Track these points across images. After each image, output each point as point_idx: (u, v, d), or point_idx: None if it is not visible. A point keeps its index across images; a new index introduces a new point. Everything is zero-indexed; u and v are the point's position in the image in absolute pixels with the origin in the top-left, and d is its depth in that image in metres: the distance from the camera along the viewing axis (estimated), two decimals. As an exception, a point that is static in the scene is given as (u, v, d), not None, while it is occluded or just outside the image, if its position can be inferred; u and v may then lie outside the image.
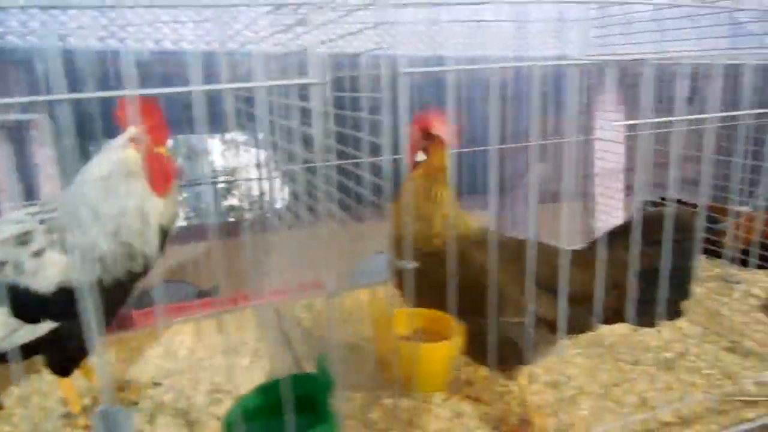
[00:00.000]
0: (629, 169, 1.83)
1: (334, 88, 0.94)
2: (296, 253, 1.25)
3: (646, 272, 0.91)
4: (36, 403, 1.11)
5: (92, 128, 1.13)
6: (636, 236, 0.85)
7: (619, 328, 1.21)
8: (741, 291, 1.50)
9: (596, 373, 1.16)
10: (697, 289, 1.51)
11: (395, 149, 0.61)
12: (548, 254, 0.92)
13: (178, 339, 1.37)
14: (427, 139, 1.05)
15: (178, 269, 1.76)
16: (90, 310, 0.56)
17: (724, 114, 0.78)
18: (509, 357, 0.88)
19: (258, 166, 1.75)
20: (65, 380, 1.01)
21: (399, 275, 1.00)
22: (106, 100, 0.90)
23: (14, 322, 0.93)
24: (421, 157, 1.07)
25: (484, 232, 1.07)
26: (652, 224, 0.88)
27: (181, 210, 1.82)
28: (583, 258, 0.93)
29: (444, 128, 1.05)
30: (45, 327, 0.94)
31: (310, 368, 1.16)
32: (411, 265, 0.68)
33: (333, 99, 0.98)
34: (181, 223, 1.87)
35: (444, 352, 0.89)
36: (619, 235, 0.93)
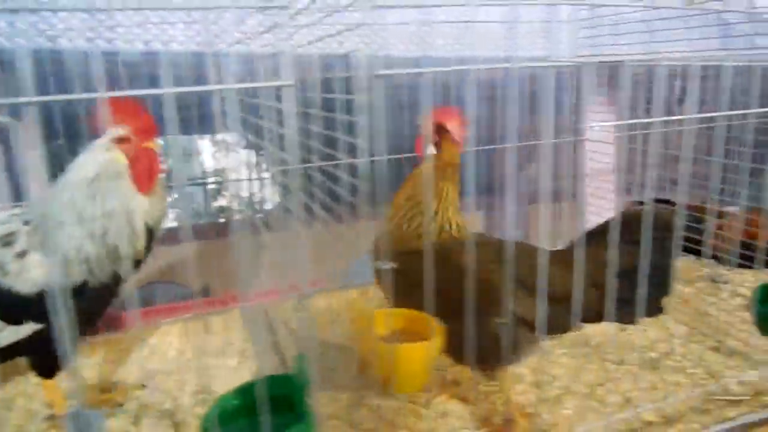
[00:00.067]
0: (620, 170, 1.83)
1: (322, 89, 0.95)
2: (285, 254, 1.25)
3: (627, 271, 0.91)
4: (20, 405, 1.11)
5: (79, 129, 1.13)
6: (614, 236, 0.85)
7: (606, 328, 1.22)
8: (728, 291, 1.51)
9: (581, 372, 1.17)
10: (684, 289, 1.53)
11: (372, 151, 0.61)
12: (532, 255, 0.93)
13: (166, 340, 1.37)
14: (439, 134, 1.06)
15: (167, 270, 1.76)
16: (64, 313, 0.56)
17: (702, 115, 0.79)
18: (490, 357, 0.88)
19: (248, 166, 1.75)
20: (49, 382, 1.01)
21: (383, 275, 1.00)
22: (93, 101, 0.90)
23: (-2, 323, 0.93)
24: (431, 151, 1.08)
25: (474, 234, 1.08)
26: (631, 223, 0.88)
27: (170, 210, 1.82)
28: (565, 258, 0.94)
29: (457, 125, 1.06)
30: (28, 328, 0.94)
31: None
32: (387, 265, 0.68)
33: (321, 101, 0.98)
34: (171, 223, 1.87)
35: (422, 353, 0.90)
36: (600, 235, 0.94)
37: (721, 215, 1.51)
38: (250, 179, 1.70)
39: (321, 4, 0.74)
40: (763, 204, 1.36)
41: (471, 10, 1.74)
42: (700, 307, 1.44)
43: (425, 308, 0.74)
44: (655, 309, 0.95)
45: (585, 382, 1.13)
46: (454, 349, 0.88)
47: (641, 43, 1.51)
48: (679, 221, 0.88)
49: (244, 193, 1.76)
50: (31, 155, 1.48)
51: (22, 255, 0.92)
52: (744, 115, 0.80)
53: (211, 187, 1.73)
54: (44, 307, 0.94)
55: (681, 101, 1.79)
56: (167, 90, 0.47)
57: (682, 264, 1.61)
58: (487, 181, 1.77)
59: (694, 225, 1.26)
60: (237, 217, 1.72)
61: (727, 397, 1.07)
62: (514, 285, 0.90)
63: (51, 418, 1.05)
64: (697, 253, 1.59)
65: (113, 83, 1.40)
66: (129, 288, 1.76)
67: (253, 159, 1.71)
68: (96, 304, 1.01)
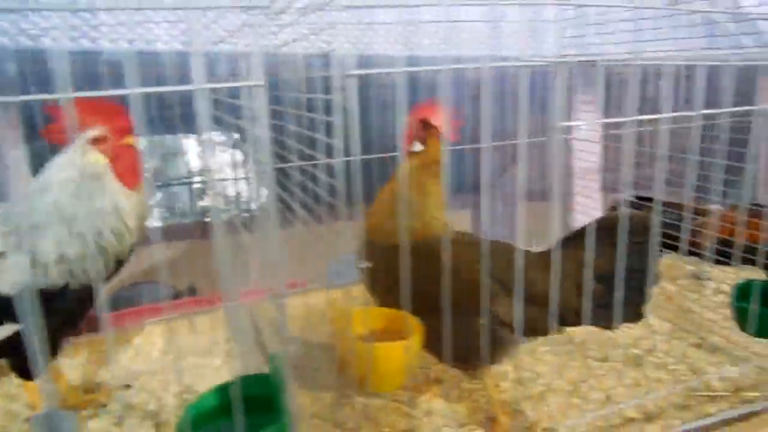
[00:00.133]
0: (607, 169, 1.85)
1: (298, 89, 0.94)
2: (268, 254, 1.25)
3: (606, 275, 0.91)
4: (2, 406, 1.10)
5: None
6: (590, 240, 0.86)
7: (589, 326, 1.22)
8: (711, 288, 1.52)
9: (564, 370, 1.17)
10: (668, 286, 1.54)
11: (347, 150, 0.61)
12: (514, 256, 0.92)
13: (151, 340, 1.36)
14: (426, 130, 1.06)
15: (153, 270, 1.75)
16: (33, 316, 0.55)
17: (676, 114, 0.79)
18: (472, 357, 0.88)
19: (234, 166, 1.75)
20: (31, 384, 1.01)
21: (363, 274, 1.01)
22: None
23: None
24: (417, 147, 1.08)
25: (458, 233, 1.08)
26: (610, 227, 0.88)
27: (156, 210, 1.81)
28: (547, 260, 0.94)
29: (443, 121, 1.06)
30: (8, 329, 0.93)
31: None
32: (364, 264, 0.68)
33: (298, 100, 0.98)
34: (156, 223, 1.86)
35: (399, 352, 0.90)
36: (581, 237, 0.94)
37: (702, 212, 1.53)
38: (236, 178, 1.70)
39: (296, 4, 0.74)
40: (743, 201, 1.37)
41: (457, 10, 1.74)
42: (683, 304, 1.45)
43: (403, 305, 0.74)
44: (634, 314, 0.95)
45: (568, 379, 1.14)
46: (436, 347, 0.88)
47: (626, 43, 1.51)
48: (657, 222, 0.88)
49: (230, 193, 1.75)
50: (13, 155, 1.47)
51: (1, 256, 0.91)
52: (716, 115, 0.80)
53: (196, 186, 1.72)
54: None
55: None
56: (134, 90, 0.47)
57: (666, 261, 1.62)
58: (473, 180, 1.78)
59: (677, 222, 1.27)
60: (223, 216, 1.72)
61: (708, 393, 1.08)
62: (496, 285, 0.90)
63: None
64: (674, 249, 1.60)
65: (95, 82, 1.40)
66: (115, 288, 1.75)
67: (239, 158, 1.70)
68: (78, 306, 1.00)
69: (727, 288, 1.50)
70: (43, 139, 1.22)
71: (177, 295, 1.76)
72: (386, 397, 1.08)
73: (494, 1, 1.13)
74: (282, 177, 1.13)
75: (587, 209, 1.83)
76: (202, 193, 1.77)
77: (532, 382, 1.14)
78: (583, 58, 0.97)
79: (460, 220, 2.13)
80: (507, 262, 0.89)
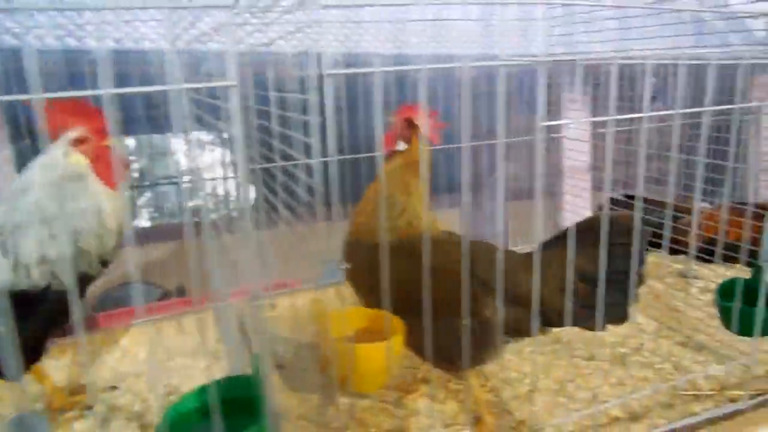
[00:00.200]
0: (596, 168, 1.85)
1: (278, 88, 0.94)
2: (255, 254, 1.24)
3: (591, 276, 0.91)
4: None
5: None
6: (571, 241, 0.85)
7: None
8: (698, 286, 1.52)
9: (551, 369, 1.17)
10: (655, 285, 1.54)
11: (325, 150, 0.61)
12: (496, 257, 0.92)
13: (138, 341, 1.36)
14: (410, 130, 1.06)
15: (142, 270, 1.74)
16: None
17: (654, 114, 0.79)
18: (455, 358, 0.88)
19: (223, 165, 1.74)
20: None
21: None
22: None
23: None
24: (402, 146, 1.08)
25: (443, 232, 1.07)
26: (593, 228, 0.88)
27: (144, 210, 1.81)
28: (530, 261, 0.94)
29: (426, 121, 1.06)
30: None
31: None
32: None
33: (288, 100, 0.98)
34: (145, 223, 1.85)
35: (381, 353, 0.89)
36: (566, 239, 0.93)
37: (687, 211, 1.53)
38: (225, 178, 1.69)
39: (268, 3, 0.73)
40: (727, 200, 1.38)
41: (447, 9, 1.74)
42: (671, 302, 1.45)
43: (384, 305, 0.74)
44: (618, 315, 0.95)
45: (554, 379, 1.14)
46: (420, 347, 0.88)
47: (613, 41, 1.52)
48: (640, 222, 0.88)
49: (219, 192, 1.74)
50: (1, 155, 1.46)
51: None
52: (701, 113, 0.81)
53: (185, 186, 1.71)
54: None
55: (654, 99, 1.81)
56: (107, 90, 0.46)
57: (653, 260, 1.63)
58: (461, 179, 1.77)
59: (663, 221, 1.28)
60: (212, 216, 1.71)
61: (694, 392, 1.08)
62: (479, 286, 0.90)
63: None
64: (670, 249, 1.61)
65: (82, 82, 1.39)
66: (103, 289, 1.74)
67: (228, 158, 1.70)
68: (61, 307, 1.00)
69: (714, 286, 1.51)
70: (27, 139, 1.22)
71: (165, 296, 1.75)
72: (373, 398, 1.08)
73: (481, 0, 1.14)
74: (267, 177, 1.12)
75: (577, 208, 1.83)
76: (190, 193, 1.76)
77: (519, 382, 1.14)
78: (564, 57, 0.97)
79: (450, 219, 2.13)
80: (491, 263, 0.88)
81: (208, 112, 0.87)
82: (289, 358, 1.10)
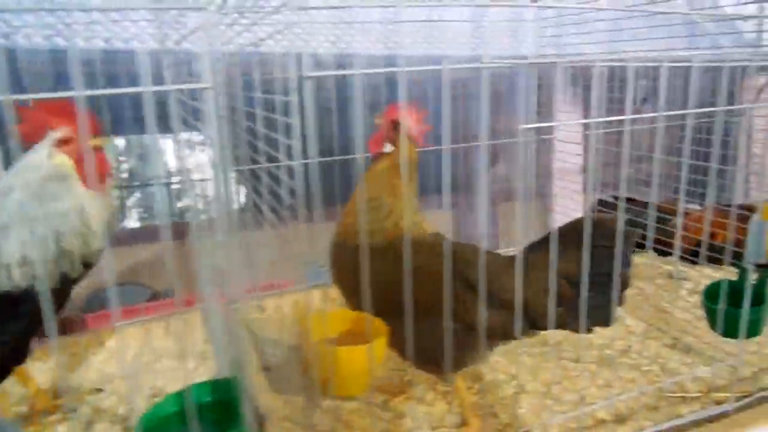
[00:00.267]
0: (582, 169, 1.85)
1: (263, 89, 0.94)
2: (243, 255, 1.24)
3: (577, 279, 0.91)
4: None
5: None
6: (554, 244, 0.85)
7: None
8: (687, 288, 1.53)
9: (539, 371, 1.17)
10: (644, 286, 1.54)
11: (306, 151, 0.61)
12: (486, 261, 0.91)
13: (125, 343, 1.35)
14: (396, 131, 1.05)
15: (131, 271, 1.73)
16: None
17: (636, 116, 0.79)
18: (439, 361, 0.88)
19: (213, 166, 1.73)
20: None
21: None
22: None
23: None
24: (388, 148, 1.07)
25: (431, 235, 1.07)
26: (578, 231, 0.87)
27: (134, 211, 1.80)
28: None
29: (413, 122, 1.06)
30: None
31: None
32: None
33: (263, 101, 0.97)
34: (134, 224, 1.84)
35: (362, 356, 0.89)
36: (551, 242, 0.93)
37: (674, 212, 1.53)
38: (214, 179, 1.68)
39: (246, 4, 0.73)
40: (717, 202, 1.38)
41: (438, 10, 1.74)
42: (659, 304, 1.45)
43: (365, 307, 0.73)
44: (603, 318, 0.95)
45: (542, 381, 1.14)
46: (404, 350, 0.88)
47: (604, 42, 1.52)
48: (623, 224, 0.88)
49: (209, 193, 1.73)
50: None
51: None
52: (683, 116, 0.81)
53: (174, 187, 1.70)
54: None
55: (644, 101, 1.82)
56: (79, 93, 0.46)
57: (643, 261, 1.63)
58: (452, 180, 1.77)
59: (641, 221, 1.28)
60: (202, 217, 1.70)
61: (680, 394, 1.08)
62: (464, 289, 0.90)
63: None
64: (660, 251, 1.61)
65: (64, 82, 1.38)
66: (92, 290, 1.73)
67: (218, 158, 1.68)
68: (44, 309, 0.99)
69: (702, 288, 1.51)
70: (13, 139, 1.20)
71: (155, 297, 1.74)
72: (359, 400, 1.07)
73: (472, 2, 1.14)
74: (253, 179, 1.12)
75: (567, 210, 1.83)
76: (180, 193, 1.76)
77: (506, 384, 1.13)
78: (547, 59, 0.97)
79: (442, 220, 2.13)
80: (476, 265, 0.88)
81: (192, 113, 0.86)
82: (276, 360, 1.09)
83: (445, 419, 1.03)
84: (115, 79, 1.53)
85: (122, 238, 1.72)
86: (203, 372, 1.24)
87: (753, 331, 1.15)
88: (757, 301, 1.10)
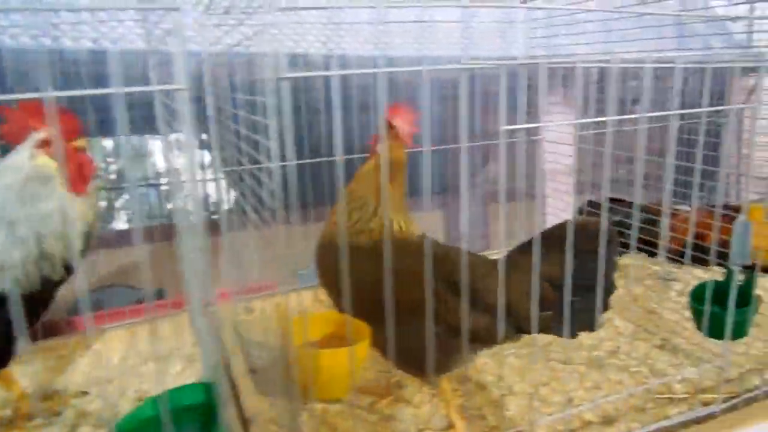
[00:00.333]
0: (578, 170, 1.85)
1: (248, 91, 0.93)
2: (238, 256, 1.23)
3: (561, 283, 0.90)
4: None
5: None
6: (536, 248, 0.84)
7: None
8: (676, 289, 1.53)
9: (527, 373, 1.17)
10: (634, 288, 1.54)
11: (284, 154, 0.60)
12: (471, 264, 0.91)
13: (111, 346, 1.34)
14: (388, 131, 1.05)
15: (120, 273, 1.72)
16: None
17: (621, 117, 0.79)
18: (420, 364, 0.87)
19: (203, 167, 1.72)
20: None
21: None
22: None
23: None
24: (381, 148, 1.06)
25: (417, 237, 1.06)
26: (561, 235, 0.87)
27: (123, 212, 1.79)
28: (506, 267, 0.93)
29: (405, 123, 1.05)
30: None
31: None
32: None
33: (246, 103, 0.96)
34: (123, 225, 1.83)
35: (343, 359, 0.88)
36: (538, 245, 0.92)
37: (657, 212, 1.53)
38: (204, 180, 1.67)
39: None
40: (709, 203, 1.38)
41: (429, 11, 1.74)
42: (648, 305, 1.45)
43: (346, 309, 0.73)
44: (586, 324, 0.95)
45: (530, 382, 1.14)
46: (386, 352, 0.87)
47: (594, 43, 1.52)
48: (607, 228, 0.87)
49: (199, 194, 1.72)
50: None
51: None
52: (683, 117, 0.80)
53: (164, 188, 1.69)
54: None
55: (635, 102, 1.82)
56: (50, 94, 0.45)
57: (633, 262, 1.63)
58: (442, 181, 1.77)
59: (641, 224, 1.28)
60: (191, 218, 1.69)
61: (668, 396, 1.08)
62: (447, 292, 0.89)
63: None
64: (650, 252, 1.61)
65: (57, 83, 1.36)
66: (82, 292, 1.72)
67: (206, 160, 1.68)
68: (27, 312, 0.98)
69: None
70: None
71: (144, 299, 1.73)
72: (345, 402, 1.07)
73: (461, 3, 1.13)
74: (239, 181, 1.11)
75: (557, 211, 1.83)
76: (170, 194, 1.75)
77: (494, 386, 1.13)
78: (523, 61, 0.96)
79: (434, 221, 2.13)
80: (459, 268, 0.87)
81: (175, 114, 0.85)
82: (262, 362, 1.09)
83: (431, 421, 1.03)
84: (104, 79, 1.52)
85: (111, 240, 1.71)
86: (191, 374, 1.23)
87: (738, 332, 1.15)
88: (742, 303, 1.10)
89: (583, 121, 0.74)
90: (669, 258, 1.48)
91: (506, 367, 1.20)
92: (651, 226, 1.51)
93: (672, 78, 0.84)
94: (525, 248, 0.97)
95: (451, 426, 1.00)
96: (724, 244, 1.00)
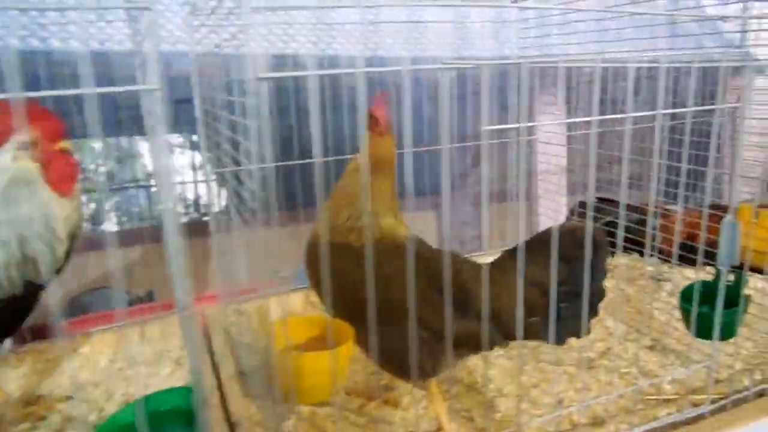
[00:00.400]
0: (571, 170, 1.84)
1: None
2: (227, 257, 1.22)
3: (546, 290, 0.89)
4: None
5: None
6: (521, 255, 0.84)
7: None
8: (668, 290, 1.52)
9: (517, 374, 1.16)
10: (625, 288, 1.54)
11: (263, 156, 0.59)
12: (457, 267, 0.90)
13: (99, 349, 1.32)
14: (373, 125, 1.01)
15: (110, 275, 1.71)
16: None
17: (603, 117, 0.79)
18: (405, 368, 0.86)
19: (194, 168, 1.72)
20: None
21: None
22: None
23: None
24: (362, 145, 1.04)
25: (406, 238, 1.05)
26: (549, 240, 0.86)
27: (112, 214, 1.78)
28: (494, 272, 0.92)
29: (381, 112, 1.01)
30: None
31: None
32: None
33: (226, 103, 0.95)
34: (113, 227, 1.82)
35: (325, 363, 0.87)
36: (529, 250, 0.91)
37: (643, 212, 1.53)
38: (195, 182, 1.67)
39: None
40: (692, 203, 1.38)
41: (419, 11, 1.73)
42: (640, 305, 1.44)
43: (327, 311, 0.72)
44: (573, 330, 0.94)
45: (520, 384, 1.13)
46: (371, 354, 0.87)
47: (587, 43, 1.51)
48: (591, 233, 0.86)
49: (189, 196, 1.72)
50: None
51: None
52: (676, 116, 0.80)
53: (154, 189, 1.69)
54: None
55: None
56: (16, 94, 0.44)
57: (625, 262, 1.62)
58: (434, 182, 1.77)
59: (632, 225, 1.27)
60: (183, 219, 1.69)
61: (658, 397, 1.08)
62: (435, 296, 0.88)
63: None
64: (642, 252, 1.60)
65: (36, 84, 1.36)
66: (71, 295, 1.71)
67: (198, 161, 1.67)
68: (7, 316, 0.97)
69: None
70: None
71: (134, 301, 1.72)
72: (334, 405, 1.06)
73: (453, 2, 1.12)
74: (224, 182, 1.10)
75: (549, 212, 1.83)
76: (159, 196, 1.74)
77: (484, 388, 1.12)
78: (505, 61, 0.95)
79: (428, 222, 2.12)
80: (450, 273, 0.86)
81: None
82: (249, 365, 1.08)
83: (420, 424, 1.02)
84: (95, 80, 1.51)
85: (100, 242, 1.69)
86: (180, 377, 1.22)
87: (727, 332, 1.15)
88: (731, 303, 1.10)
89: (568, 120, 0.74)
90: (660, 258, 1.47)
91: (496, 368, 1.19)
92: (643, 227, 1.50)
93: (669, 78, 0.84)
94: (514, 253, 0.96)
95: (440, 428, 0.99)
96: (713, 244, 0.99)
